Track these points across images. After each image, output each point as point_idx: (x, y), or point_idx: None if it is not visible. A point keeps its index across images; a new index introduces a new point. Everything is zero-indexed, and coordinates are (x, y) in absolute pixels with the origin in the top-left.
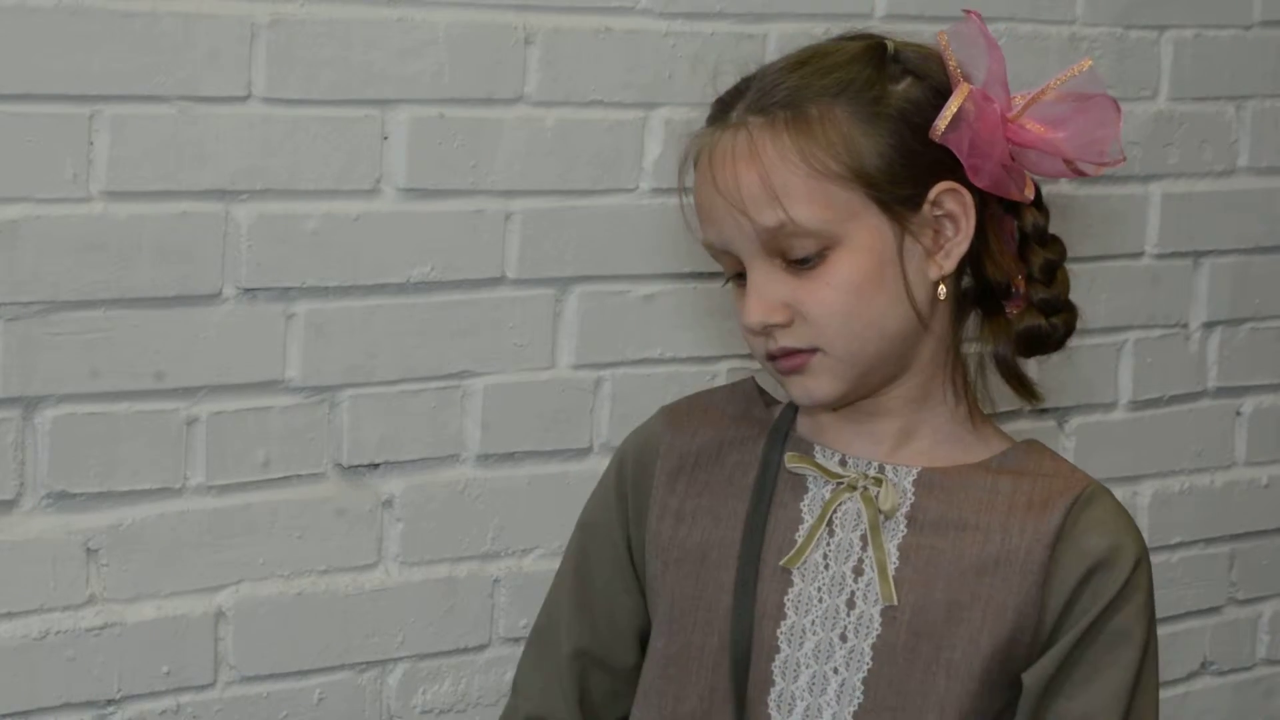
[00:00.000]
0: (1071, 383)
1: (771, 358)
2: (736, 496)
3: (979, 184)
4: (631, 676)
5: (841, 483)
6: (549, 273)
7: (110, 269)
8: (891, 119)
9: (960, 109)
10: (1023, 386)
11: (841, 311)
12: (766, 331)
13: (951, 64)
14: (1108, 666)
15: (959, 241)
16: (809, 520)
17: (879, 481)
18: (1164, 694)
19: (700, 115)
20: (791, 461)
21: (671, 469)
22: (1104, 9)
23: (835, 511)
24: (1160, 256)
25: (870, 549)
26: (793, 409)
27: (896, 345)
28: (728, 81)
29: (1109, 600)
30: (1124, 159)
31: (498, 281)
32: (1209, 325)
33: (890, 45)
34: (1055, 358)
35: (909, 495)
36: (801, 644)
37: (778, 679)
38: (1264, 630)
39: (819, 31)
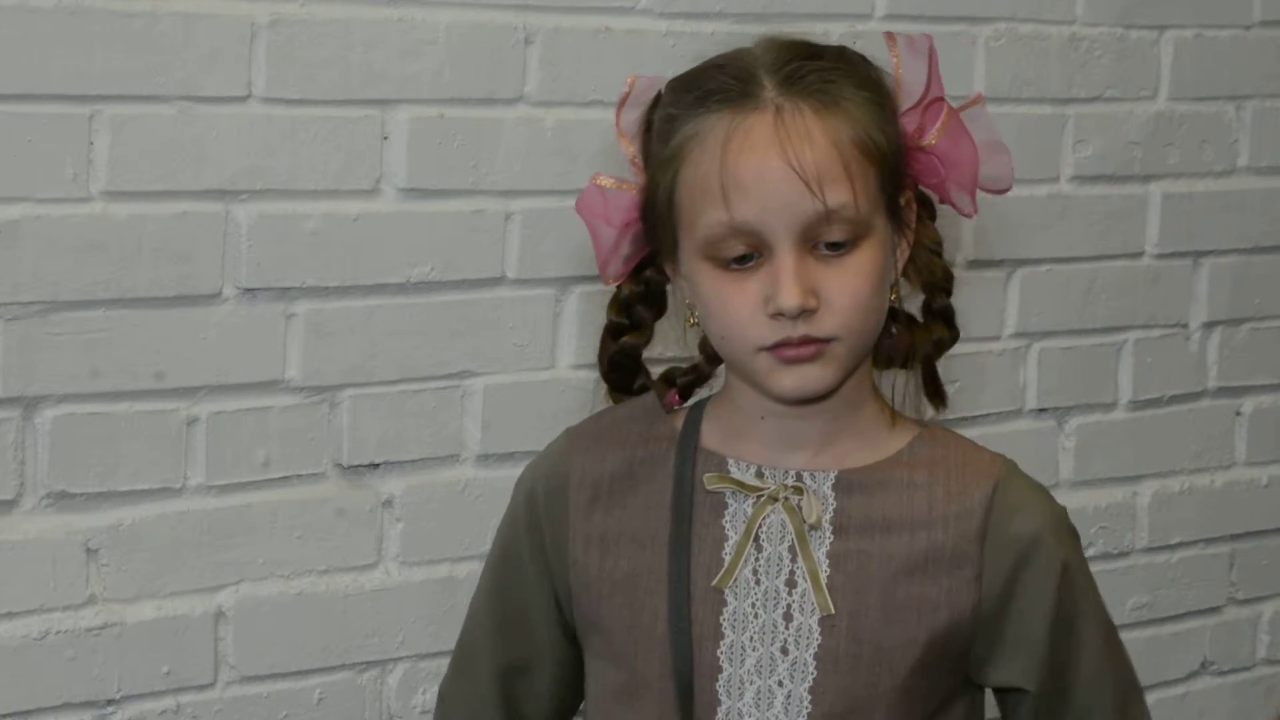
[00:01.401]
0: (1071, 383)
1: (782, 345)
2: (656, 519)
3: (945, 195)
4: (557, 672)
5: (762, 496)
6: (549, 273)
7: (110, 269)
8: (893, 119)
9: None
10: (939, 393)
11: (864, 302)
12: (799, 315)
13: (937, 70)
14: (1084, 649)
15: (907, 247)
16: (733, 537)
17: (799, 491)
18: (1164, 694)
19: None
20: (711, 483)
21: (587, 498)
22: (1104, 9)
23: (760, 526)
24: (1160, 256)
25: (800, 560)
26: (696, 419)
27: (874, 341)
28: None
29: (1055, 587)
30: (972, 212)
31: (498, 281)
32: (1209, 325)
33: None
34: (1056, 358)
35: (830, 500)
36: (743, 661)
37: (723, 698)
38: (1264, 630)
39: (819, 31)
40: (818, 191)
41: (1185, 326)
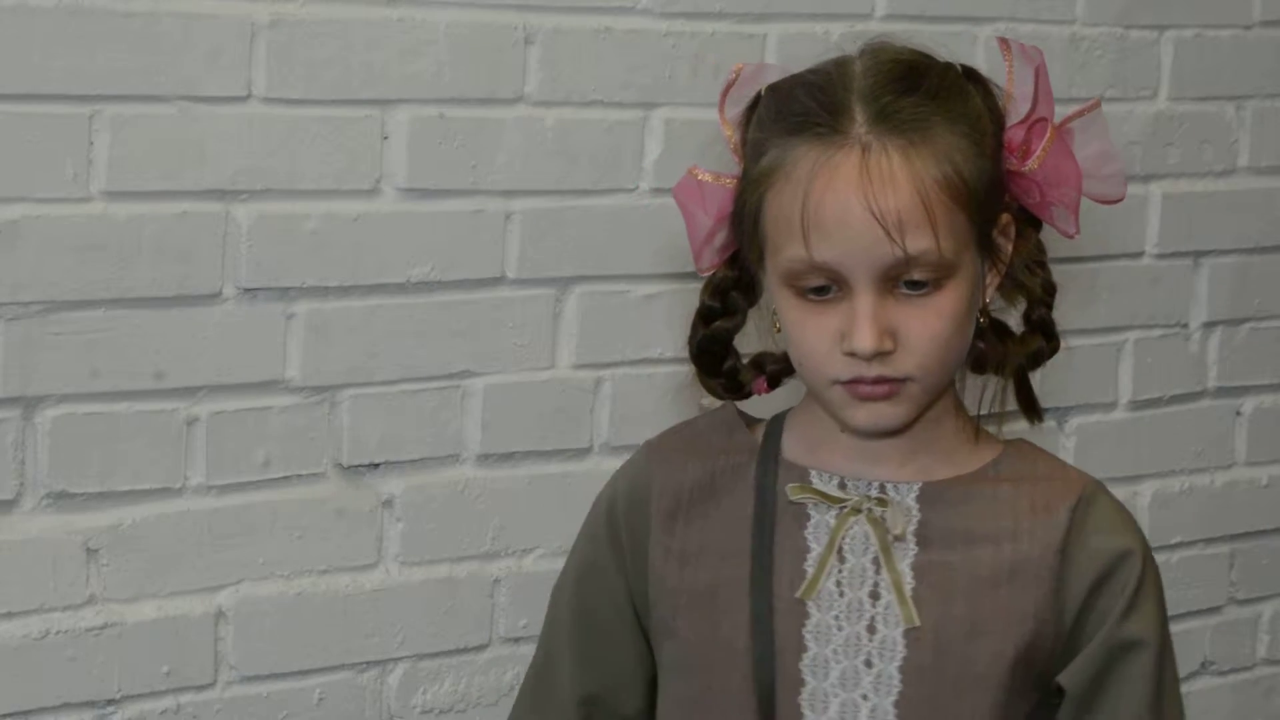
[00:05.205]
0: (1071, 383)
1: (856, 382)
2: (738, 531)
3: (1046, 216)
4: (642, 696)
5: (845, 507)
6: (549, 273)
7: (110, 269)
8: (989, 148)
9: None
10: (1033, 406)
11: (944, 342)
12: (875, 357)
13: (1046, 86)
14: (1135, 671)
15: (1002, 268)
16: (815, 548)
17: (883, 503)
18: None
19: (702, 116)
20: (794, 493)
21: (667, 509)
22: (1104, 9)
23: (843, 537)
24: (1160, 256)
25: (884, 572)
26: (776, 431)
27: (954, 374)
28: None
29: (1127, 603)
30: (1074, 232)
31: (498, 281)
32: (1209, 325)
33: (959, 66)
34: (1057, 357)
35: (914, 512)
36: (826, 674)
37: (806, 712)
38: (1264, 630)
39: (819, 31)
40: (898, 238)
41: (1185, 326)
